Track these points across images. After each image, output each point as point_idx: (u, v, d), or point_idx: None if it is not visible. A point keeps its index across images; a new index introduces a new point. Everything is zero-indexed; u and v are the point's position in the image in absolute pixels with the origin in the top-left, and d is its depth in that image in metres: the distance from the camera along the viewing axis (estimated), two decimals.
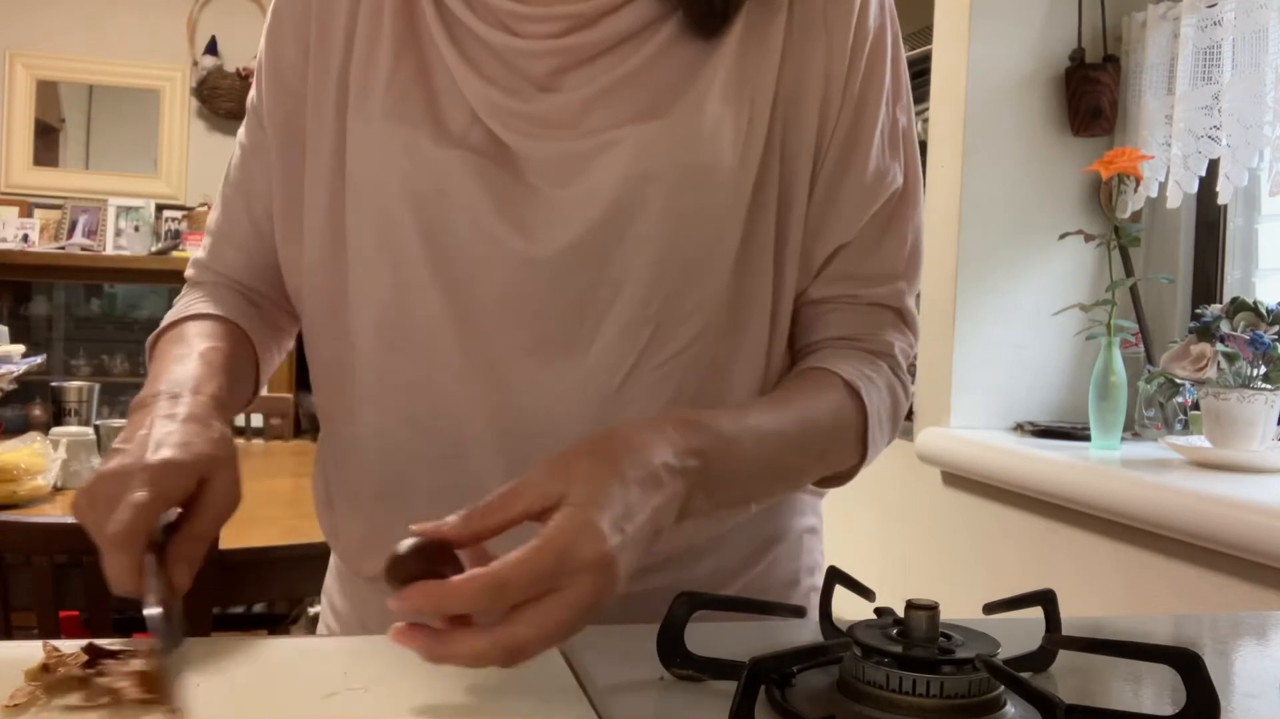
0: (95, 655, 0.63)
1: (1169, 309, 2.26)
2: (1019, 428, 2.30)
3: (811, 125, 0.85)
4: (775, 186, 0.85)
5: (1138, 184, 2.15)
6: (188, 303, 0.93)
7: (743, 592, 0.90)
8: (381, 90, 0.84)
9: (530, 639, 0.60)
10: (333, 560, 1.00)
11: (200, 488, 0.73)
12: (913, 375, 2.60)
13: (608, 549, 0.62)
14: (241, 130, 0.95)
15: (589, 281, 0.82)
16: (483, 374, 0.83)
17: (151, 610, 0.65)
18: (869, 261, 0.89)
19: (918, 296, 0.94)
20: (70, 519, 1.62)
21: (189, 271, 0.97)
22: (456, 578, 0.60)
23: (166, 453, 0.72)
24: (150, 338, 0.92)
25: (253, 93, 0.93)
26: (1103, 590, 1.93)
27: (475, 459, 0.84)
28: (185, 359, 0.85)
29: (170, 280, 4.71)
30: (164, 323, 0.92)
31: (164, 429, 0.75)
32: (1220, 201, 2.03)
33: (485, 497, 0.64)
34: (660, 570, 0.84)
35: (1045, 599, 0.71)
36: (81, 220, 4.80)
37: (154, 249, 4.81)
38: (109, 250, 4.76)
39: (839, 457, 0.86)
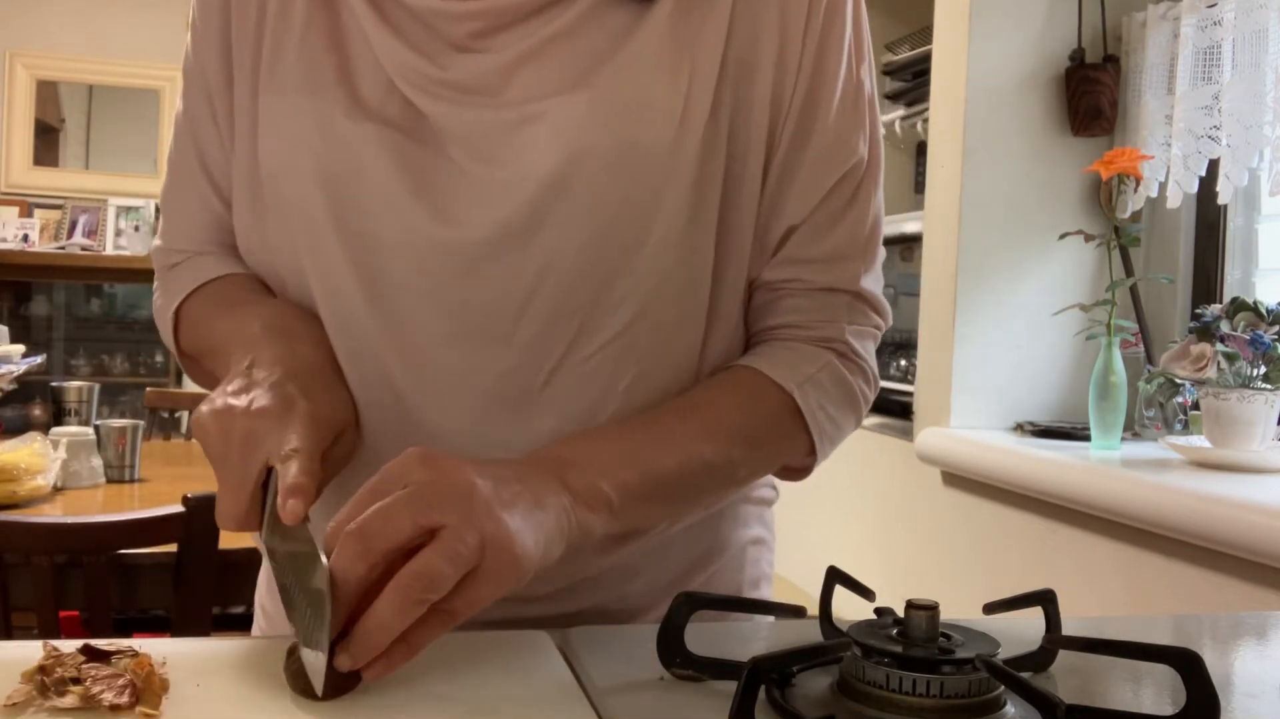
0: (92, 656, 0.63)
1: (1169, 309, 2.26)
2: (1019, 428, 2.31)
3: (765, 93, 0.80)
4: (721, 162, 0.79)
5: (1138, 184, 2.15)
6: (184, 279, 0.88)
7: None
8: (293, 55, 0.79)
9: (436, 560, 0.59)
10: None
11: (334, 441, 0.73)
12: (910, 363, 2.59)
13: (435, 451, 0.64)
14: (179, 100, 0.89)
15: (511, 269, 0.76)
16: (401, 366, 0.79)
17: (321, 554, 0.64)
18: (824, 243, 0.83)
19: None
20: (70, 519, 1.63)
21: (157, 261, 0.91)
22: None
23: (319, 407, 0.72)
24: (170, 313, 0.88)
25: (189, 56, 0.87)
26: (1103, 590, 1.93)
27: (392, 458, 0.81)
28: (263, 301, 0.83)
29: None
30: (181, 296, 0.87)
31: (302, 374, 0.73)
32: (1220, 201, 2.03)
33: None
34: (591, 589, 0.81)
35: (1045, 599, 0.71)
36: (81, 220, 4.80)
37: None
38: (109, 250, 4.77)
39: (764, 462, 0.84)
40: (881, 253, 0.88)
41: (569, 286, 0.77)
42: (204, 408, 0.71)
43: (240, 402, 0.70)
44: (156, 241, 0.92)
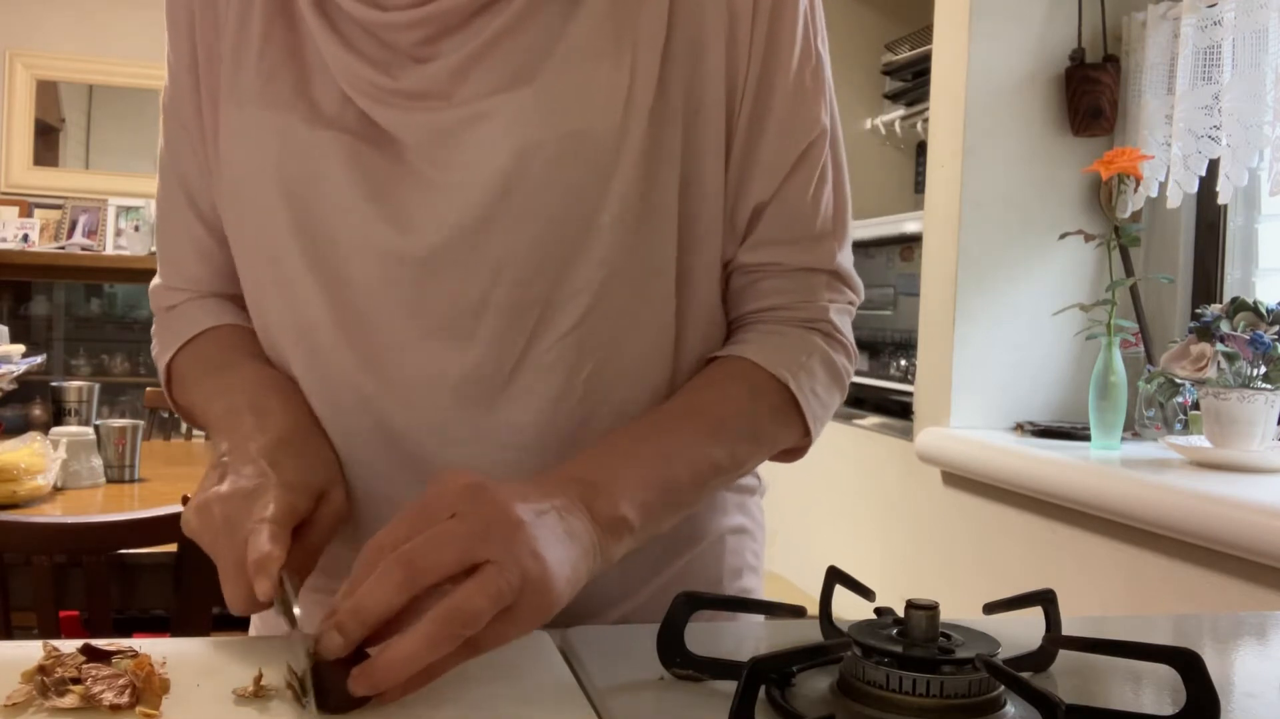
0: (92, 656, 0.63)
1: (1169, 309, 2.26)
2: (1019, 428, 2.31)
3: (718, 70, 0.79)
4: (676, 144, 0.78)
5: (1138, 184, 2.15)
6: (176, 330, 0.89)
7: (655, 598, 0.85)
8: (252, 68, 0.80)
9: (477, 598, 0.59)
10: None
11: (317, 504, 0.73)
12: (910, 363, 2.59)
13: (482, 482, 0.64)
14: (160, 133, 0.90)
15: (467, 269, 0.77)
16: (365, 370, 0.79)
17: (295, 612, 0.64)
18: (797, 223, 0.84)
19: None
20: (70, 519, 1.63)
21: (154, 302, 0.93)
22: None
23: (289, 475, 0.72)
24: (162, 368, 0.90)
25: (166, 90, 0.89)
26: (1103, 590, 1.93)
27: (364, 461, 0.81)
28: (239, 366, 0.83)
29: None
30: (171, 352, 0.89)
31: (273, 447, 0.74)
32: (1220, 201, 2.04)
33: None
34: None
35: (1045, 599, 0.71)
36: (81, 220, 4.80)
37: (154, 249, 4.81)
38: (109, 250, 4.76)
39: (765, 453, 0.84)
40: (851, 226, 0.88)
41: (525, 281, 0.77)
42: (189, 508, 0.72)
43: (215, 491, 0.71)
44: (156, 280, 0.93)
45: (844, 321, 0.87)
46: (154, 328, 0.93)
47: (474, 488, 0.64)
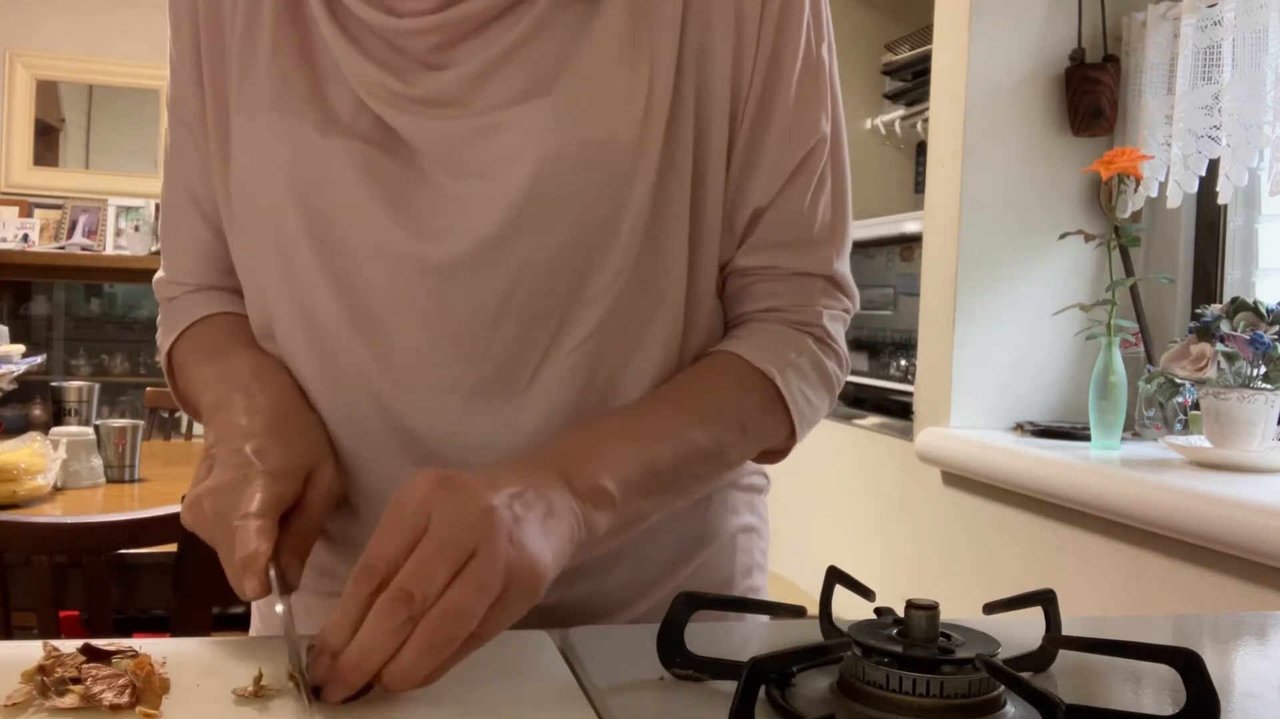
0: (92, 656, 0.63)
1: (1169, 309, 2.26)
2: (1019, 428, 2.31)
3: (724, 77, 0.80)
4: (689, 150, 0.79)
5: (1138, 184, 2.15)
6: (175, 319, 0.90)
7: (669, 597, 0.86)
8: (263, 73, 0.80)
9: (465, 597, 0.59)
10: None
11: (306, 485, 0.73)
12: (910, 363, 2.59)
13: (450, 475, 0.63)
14: (166, 128, 0.90)
15: (487, 277, 0.77)
16: (381, 374, 0.79)
17: (281, 608, 0.65)
18: (795, 227, 0.84)
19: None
20: (70, 519, 1.63)
21: (157, 293, 0.93)
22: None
23: (272, 463, 0.72)
24: (164, 356, 0.90)
25: (169, 88, 0.89)
26: (1103, 590, 1.93)
27: (378, 463, 0.81)
28: (232, 353, 0.83)
29: None
30: (171, 339, 0.89)
31: (258, 432, 0.74)
32: (1220, 201, 2.04)
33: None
34: (573, 581, 0.79)
35: (1045, 599, 0.71)
36: (81, 220, 4.80)
37: (154, 249, 4.82)
38: (109, 250, 4.76)
39: (751, 446, 0.84)
40: (850, 234, 0.88)
41: (545, 289, 0.77)
42: (184, 504, 0.72)
43: (204, 485, 0.71)
44: (159, 274, 0.93)
45: (838, 329, 0.87)
46: (159, 318, 0.94)
47: (442, 482, 0.63)
